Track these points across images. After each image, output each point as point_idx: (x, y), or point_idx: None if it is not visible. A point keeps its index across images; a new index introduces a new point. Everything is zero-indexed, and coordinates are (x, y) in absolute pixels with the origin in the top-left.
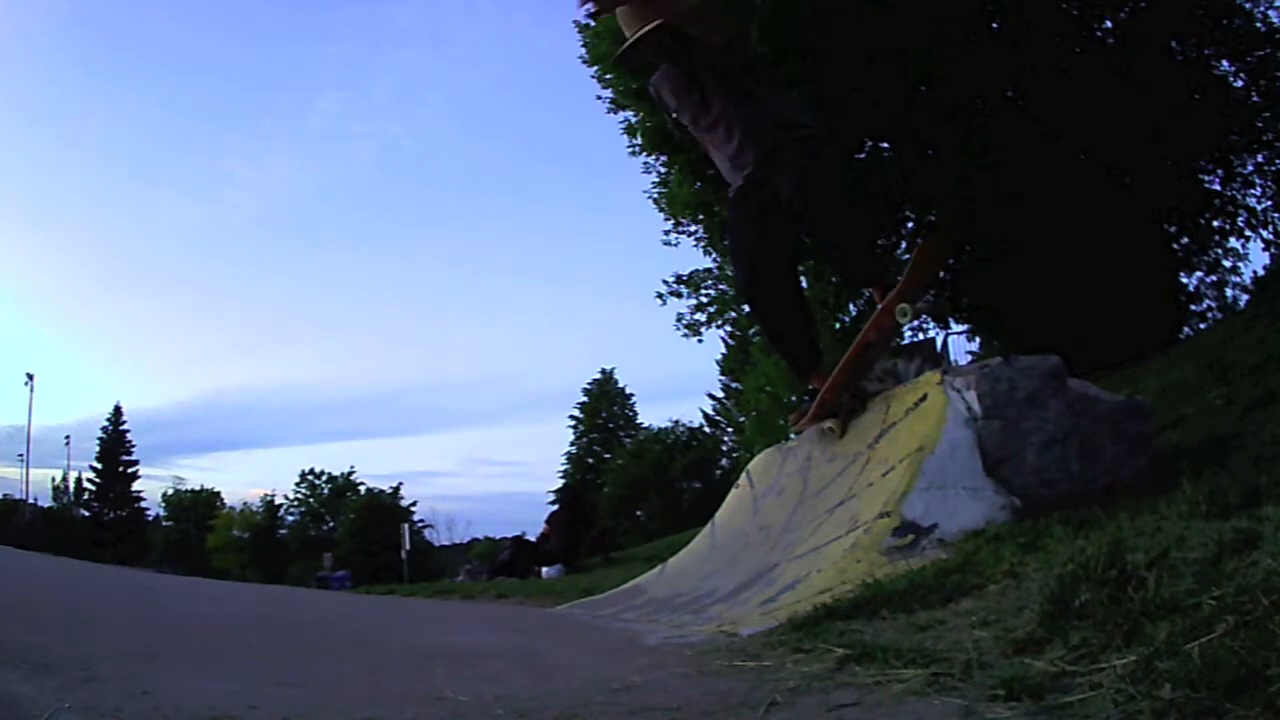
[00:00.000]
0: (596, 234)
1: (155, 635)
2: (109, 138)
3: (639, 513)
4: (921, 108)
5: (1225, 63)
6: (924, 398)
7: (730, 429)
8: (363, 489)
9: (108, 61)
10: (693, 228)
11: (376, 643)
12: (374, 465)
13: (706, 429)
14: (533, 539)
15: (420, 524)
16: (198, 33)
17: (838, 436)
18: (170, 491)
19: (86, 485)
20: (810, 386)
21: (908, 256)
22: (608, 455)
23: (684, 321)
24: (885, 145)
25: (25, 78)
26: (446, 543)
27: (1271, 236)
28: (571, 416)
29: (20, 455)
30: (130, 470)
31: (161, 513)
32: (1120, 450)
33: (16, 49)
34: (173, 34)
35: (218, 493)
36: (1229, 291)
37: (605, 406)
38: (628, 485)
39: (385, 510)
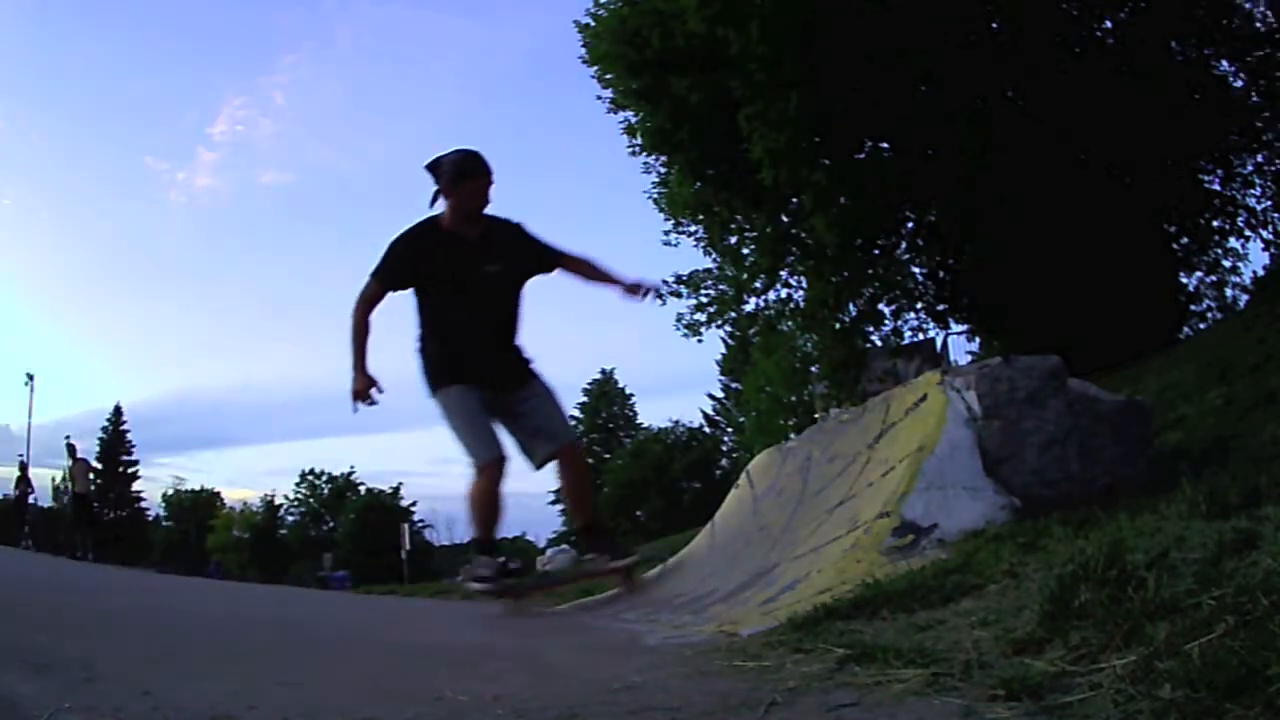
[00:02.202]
0: (597, 234)
1: (155, 635)
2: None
3: (639, 513)
4: (921, 108)
5: (1225, 63)
6: (924, 398)
7: (730, 429)
8: (363, 489)
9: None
10: (693, 228)
11: (377, 643)
12: (371, 464)
13: (706, 429)
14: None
15: (420, 524)
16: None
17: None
18: (170, 492)
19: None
20: None
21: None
22: (608, 455)
23: (684, 321)
24: (885, 145)
25: (26, 74)
26: (446, 543)
27: (1271, 236)
28: (571, 416)
29: (20, 455)
30: (130, 470)
31: (161, 513)
32: (1120, 450)
33: (18, 47)
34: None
35: (218, 493)
36: (1229, 291)
37: (605, 406)
38: (628, 485)
39: (385, 510)
